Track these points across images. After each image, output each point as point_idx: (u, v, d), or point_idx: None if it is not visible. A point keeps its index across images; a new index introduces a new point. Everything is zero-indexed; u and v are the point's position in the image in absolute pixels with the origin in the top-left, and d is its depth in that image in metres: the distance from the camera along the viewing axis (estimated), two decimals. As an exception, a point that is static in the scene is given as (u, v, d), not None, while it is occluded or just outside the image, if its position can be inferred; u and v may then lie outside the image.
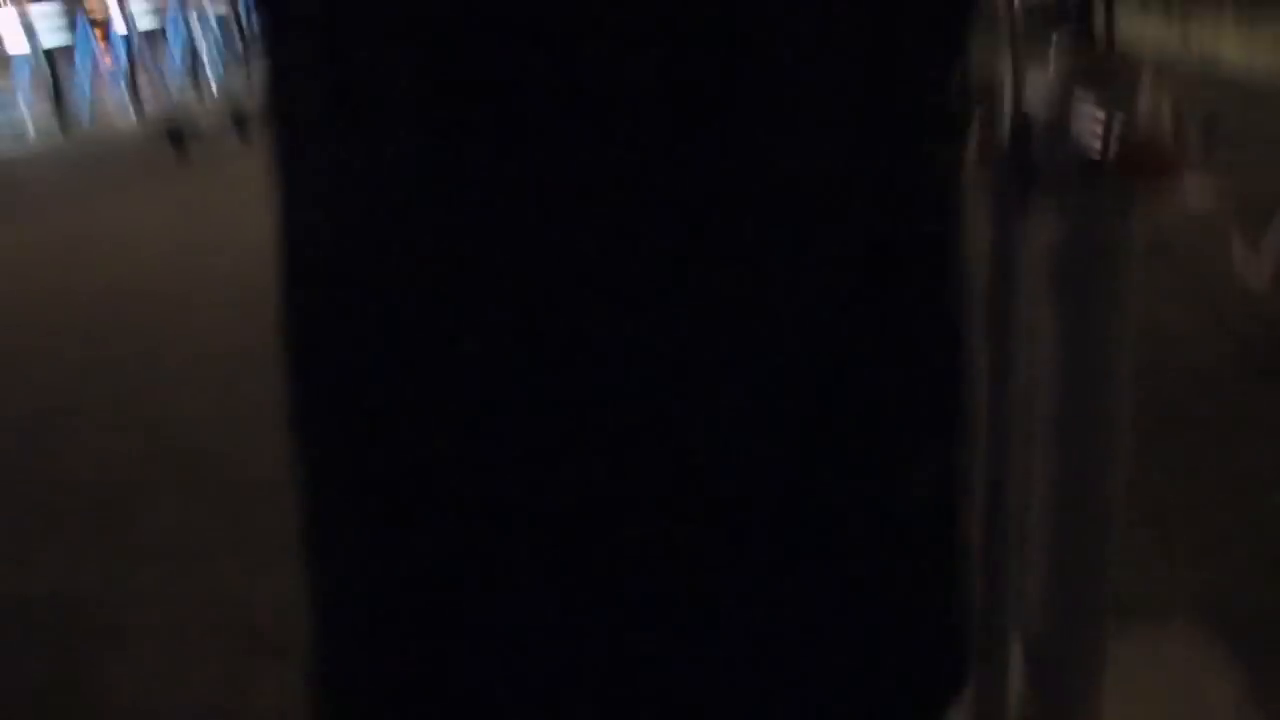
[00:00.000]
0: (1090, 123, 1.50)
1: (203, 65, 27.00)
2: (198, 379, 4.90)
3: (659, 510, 0.66)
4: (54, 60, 22.22)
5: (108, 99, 21.73)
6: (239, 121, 14.15)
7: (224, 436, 4.25)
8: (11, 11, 24.15)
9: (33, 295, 7.03)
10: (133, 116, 20.67)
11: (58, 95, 20.11)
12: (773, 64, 0.61)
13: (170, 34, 30.80)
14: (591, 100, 0.59)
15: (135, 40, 28.81)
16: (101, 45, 25.29)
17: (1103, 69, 1.52)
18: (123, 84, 23.22)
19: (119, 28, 28.14)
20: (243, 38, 30.48)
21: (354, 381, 0.69)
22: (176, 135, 13.19)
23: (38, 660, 3.00)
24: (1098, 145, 1.55)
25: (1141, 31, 11.33)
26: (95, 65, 24.63)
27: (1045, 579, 1.67)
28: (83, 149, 16.34)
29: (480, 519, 0.67)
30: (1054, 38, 1.56)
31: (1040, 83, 1.49)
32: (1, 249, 8.59)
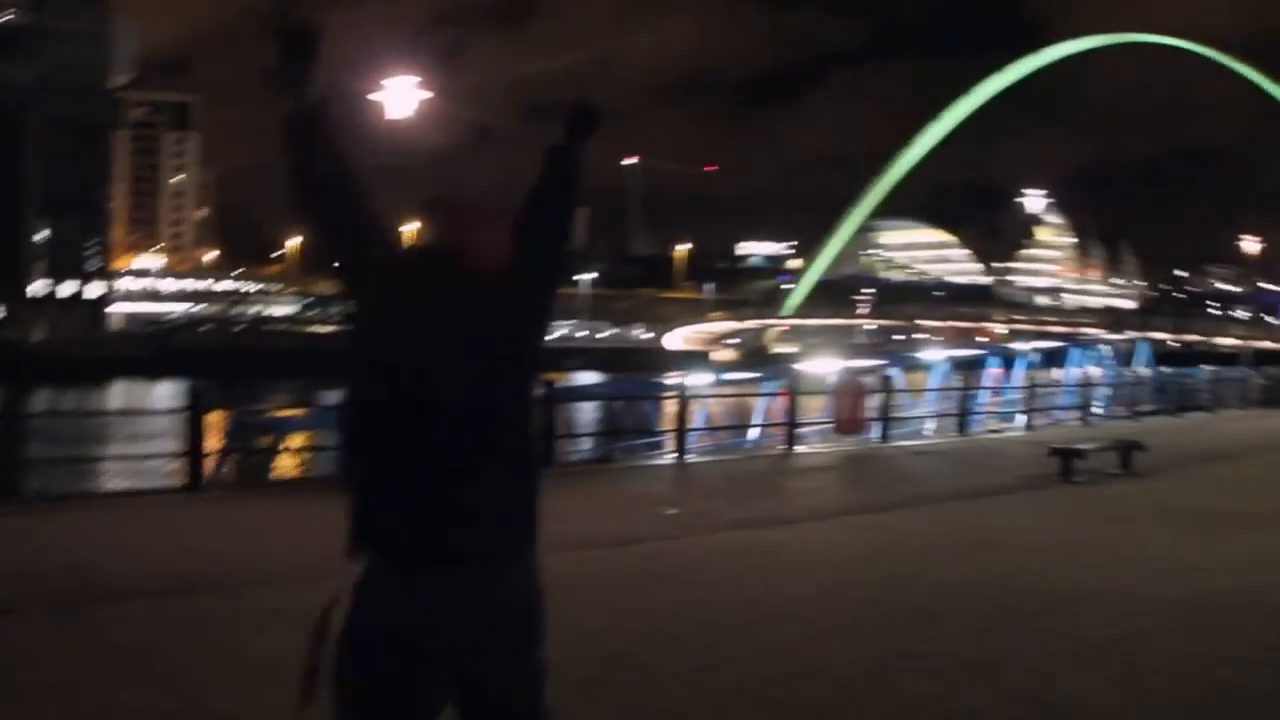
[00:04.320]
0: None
1: (1092, 394, 31.82)
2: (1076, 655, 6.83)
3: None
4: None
5: (999, 409, 28.77)
6: (1122, 451, 17.12)
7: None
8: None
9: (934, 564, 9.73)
10: (1022, 430, 26.01)
11: (963, 400, 25.82)
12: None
13: (1066, 361, 35.89)
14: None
15: (1033, 363, 33.12)
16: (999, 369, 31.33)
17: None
18: (1015, 400, 29.03)
19: (1021, 348, 33.73)
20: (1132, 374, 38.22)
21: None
22: (1063, 454, 15.95)
23: None
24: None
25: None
26: (993, 380, 30.56)
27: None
28: (977, 449, 21.69)
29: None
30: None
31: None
32: (915, 529, 11.76)
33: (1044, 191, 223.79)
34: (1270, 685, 6.20)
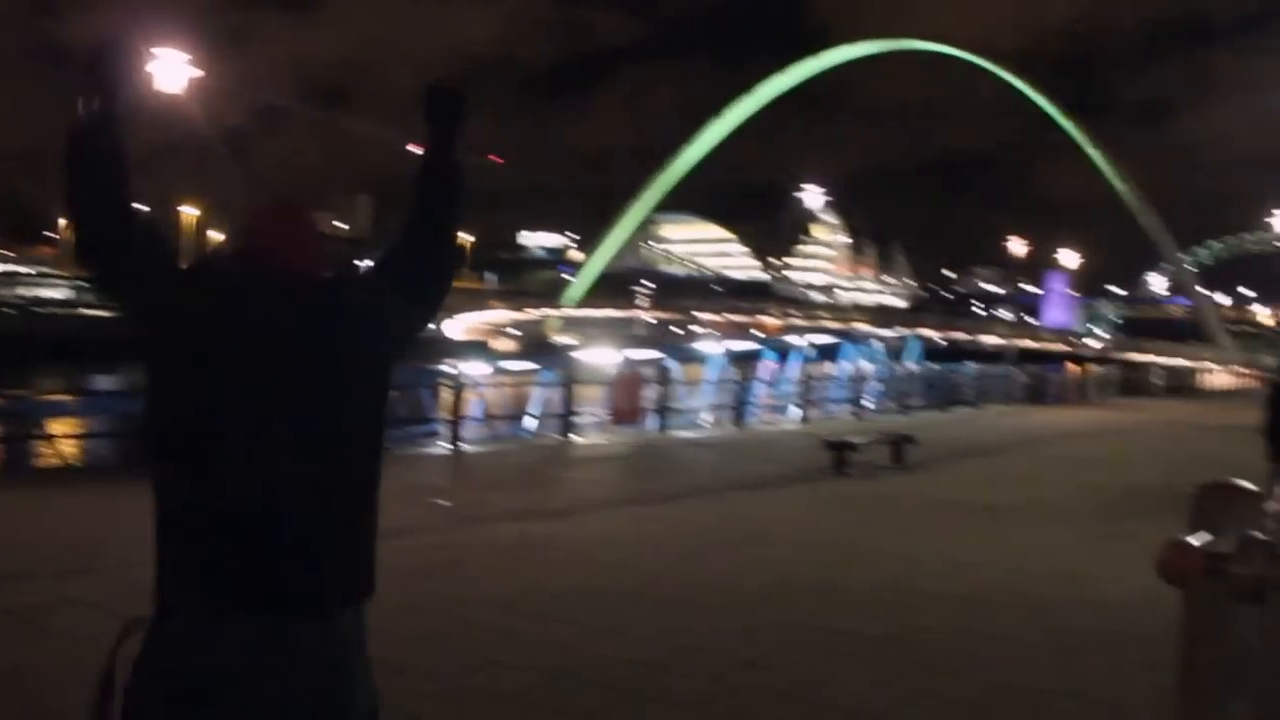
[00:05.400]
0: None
1: (864, 388, 31.13)
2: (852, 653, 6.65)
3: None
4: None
5: (774, 401, 28.35)
6: (894, 445, 17.13)
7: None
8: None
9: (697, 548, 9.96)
10: (796, 422, 26.05)
11: (739, 392, 25.58)
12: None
13: (839, 356, 36.23)
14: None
15: (807, 357, 33.89)
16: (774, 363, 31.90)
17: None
18: (790, 393, 28.66)
19: (797, 342, 37.35)
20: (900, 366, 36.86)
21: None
22: (837, 447, 16.09)
23: None
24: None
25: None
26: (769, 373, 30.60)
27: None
28: (752, 441, 21.48)
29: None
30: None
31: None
32: (691, 521, 11.59)
33: (821, 191, 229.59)
34: (1043, 684, 6.10)
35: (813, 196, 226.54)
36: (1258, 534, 2.44)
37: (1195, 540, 2.50)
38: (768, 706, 5.63)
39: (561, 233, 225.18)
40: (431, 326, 3.07)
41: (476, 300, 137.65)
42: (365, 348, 2.74)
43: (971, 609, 7.79)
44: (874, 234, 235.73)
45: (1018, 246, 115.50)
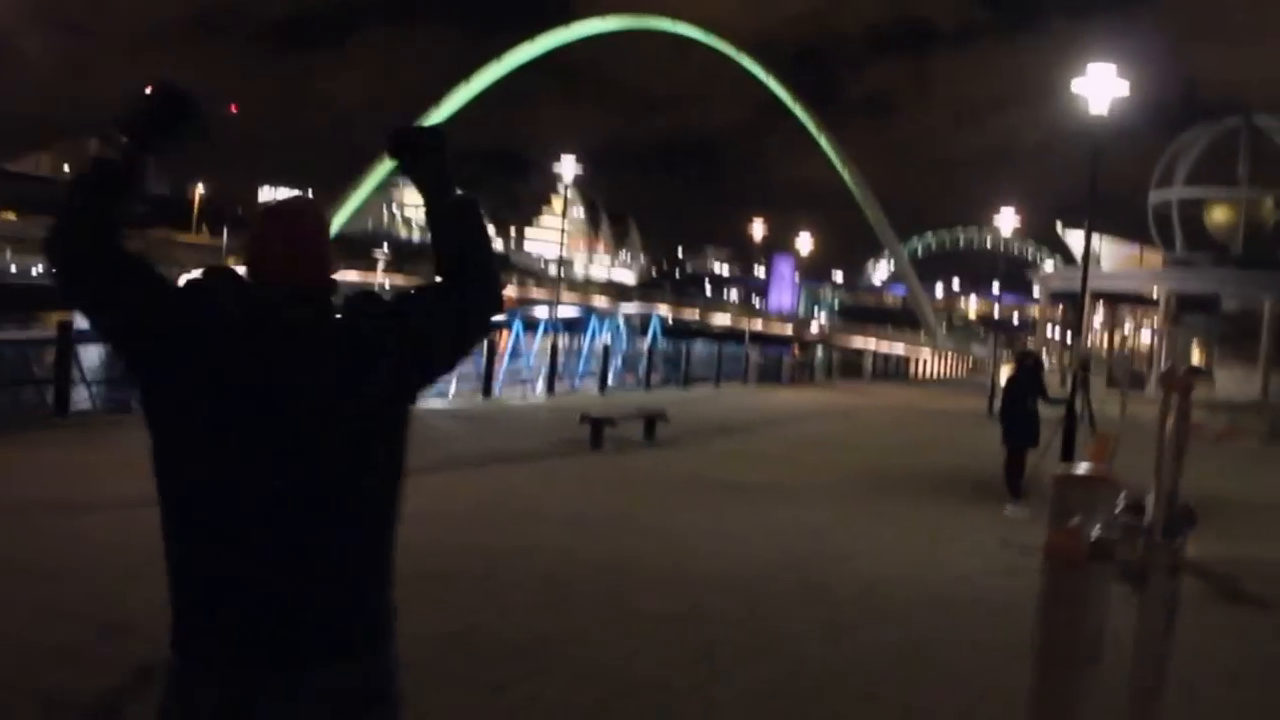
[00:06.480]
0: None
1: (611, 363, 31.28)
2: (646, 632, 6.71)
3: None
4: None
5: (522, 374, 28.85)
6: (647, 421, 17.44)
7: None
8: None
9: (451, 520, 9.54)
10: (542, 396, 26.62)
11: (487, 363, 25.30)
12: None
13: (584, 330, 37.05)
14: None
15: (554, 329, 34.60)
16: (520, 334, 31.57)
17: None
18: (536, 365, 29.30)
19: (542, 315, 40.62)
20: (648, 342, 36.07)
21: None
22: (594, 422, 16.13)
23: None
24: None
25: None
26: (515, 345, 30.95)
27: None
28: (502, 413, 21.53)
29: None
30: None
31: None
32: (458, 495, 11.18)
33: (563, 163, 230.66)
34: (833, 661, 6.32)
35: (555, 169, 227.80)
36: (1136, 521, 2.67)
37: (1072, 526, 2.70)
38: (576, 687, 5.66)
39: (303, 190, 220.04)
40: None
41: (211, 257, 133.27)
42: (368, 394, 2.53)
43: (752, 588, 7.98)
44: (611, 210, 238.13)
45: (750, 229, 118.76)
